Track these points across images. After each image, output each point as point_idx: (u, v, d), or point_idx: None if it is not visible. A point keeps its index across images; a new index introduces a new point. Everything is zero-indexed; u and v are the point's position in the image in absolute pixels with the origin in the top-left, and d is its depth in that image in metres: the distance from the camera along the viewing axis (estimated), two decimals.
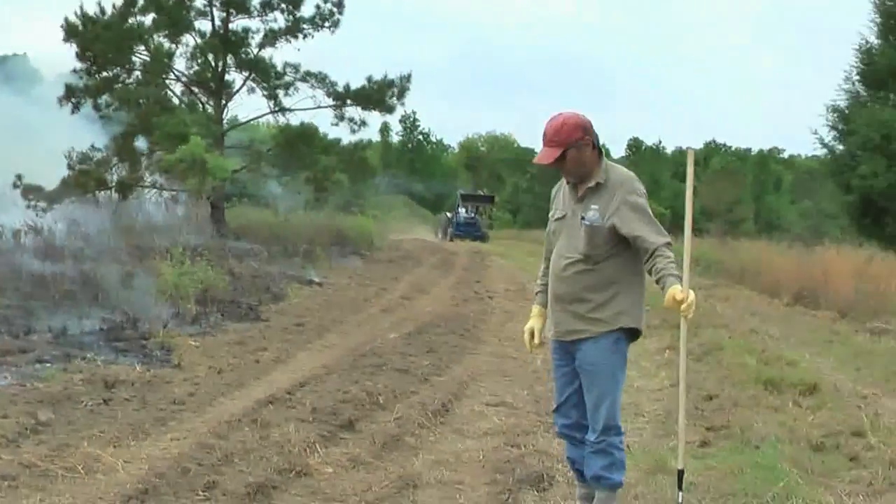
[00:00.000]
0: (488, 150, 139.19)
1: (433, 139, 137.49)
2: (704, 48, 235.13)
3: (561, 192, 6.60)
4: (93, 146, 32.72)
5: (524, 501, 7.16)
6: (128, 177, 33.20)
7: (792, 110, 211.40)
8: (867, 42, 31.49)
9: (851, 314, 20.24)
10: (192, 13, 33.84)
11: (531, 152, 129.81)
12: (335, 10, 34.76)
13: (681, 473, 6.39)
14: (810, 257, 27.24)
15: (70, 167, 31.99)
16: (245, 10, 34.23)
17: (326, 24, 34.77)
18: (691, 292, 5.94)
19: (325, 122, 50.93)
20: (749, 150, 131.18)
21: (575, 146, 6.19)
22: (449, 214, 69.27)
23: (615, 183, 6.28)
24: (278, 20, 34.70)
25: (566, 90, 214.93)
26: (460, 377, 12.28)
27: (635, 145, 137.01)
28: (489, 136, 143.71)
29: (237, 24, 34.86)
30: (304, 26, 34.57)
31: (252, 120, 37.65)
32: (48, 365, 11.77)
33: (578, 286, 6.31)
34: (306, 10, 34.75)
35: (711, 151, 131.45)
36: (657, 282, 6.10)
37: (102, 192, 32.38)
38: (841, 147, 31.43)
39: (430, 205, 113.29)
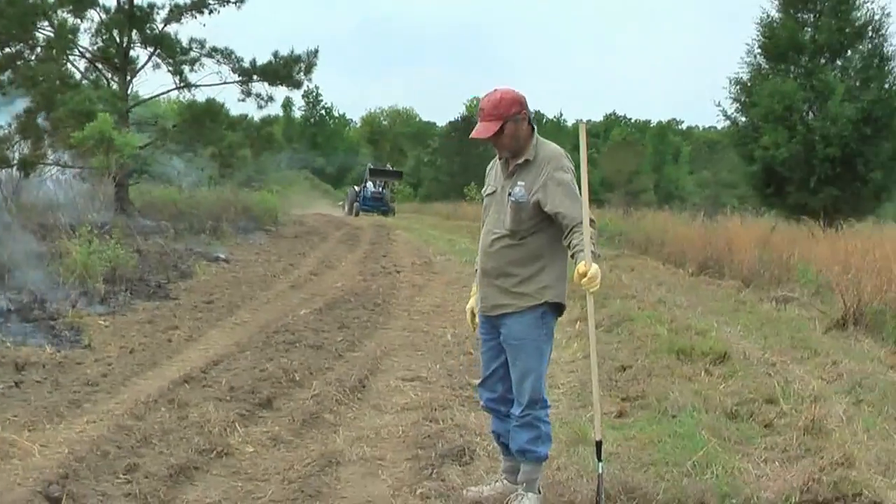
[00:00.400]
0: (390, 125, 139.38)
1: (336, 114, 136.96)
2: (604, 21, 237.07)
3: (494, 169, 6.70)
4: None
5: (448, 476, 7.14)
6: (30, 154, 32.55)
7: (690, 83, 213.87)
8: (768, 16, 31.98)
9: (755, 283, 20.57)
10: None
11: (433, 126, 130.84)
12: None
13: (599, 444, 6.41)
14: (714, 228, 27.54)
15: None
16: None
17: None
18: (594, 265, 6.00)
19: (233, 98, 50.48)
20: (648, 121, 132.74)
21: (512, 120, 6.29)
22: (357, 188, 68.44)
23: (543, 159, 6.36)
24: None
25: (468, 64, 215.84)
26: (373, 352, 12.29)
27: (536, 118, 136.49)
28: (391, 110, 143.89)
29: None
30: (210, 1, 34.09)
31: (157, 96, 37.24)
32: None
33: (504, 261, 6.39)
34: None
35: (612, 123, 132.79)
36: (572, 257, 6.19)
37: (4, 170, 31.75)
38: (744, 119, 31.88)
39: (331, 179, 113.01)
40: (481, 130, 6.29)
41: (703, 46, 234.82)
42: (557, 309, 6.52)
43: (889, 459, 7.90)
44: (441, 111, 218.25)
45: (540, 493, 6.59)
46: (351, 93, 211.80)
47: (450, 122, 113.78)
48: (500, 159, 6.55)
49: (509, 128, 6.28)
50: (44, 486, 6.43)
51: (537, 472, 6.56)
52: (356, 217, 58.77)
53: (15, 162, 31.98)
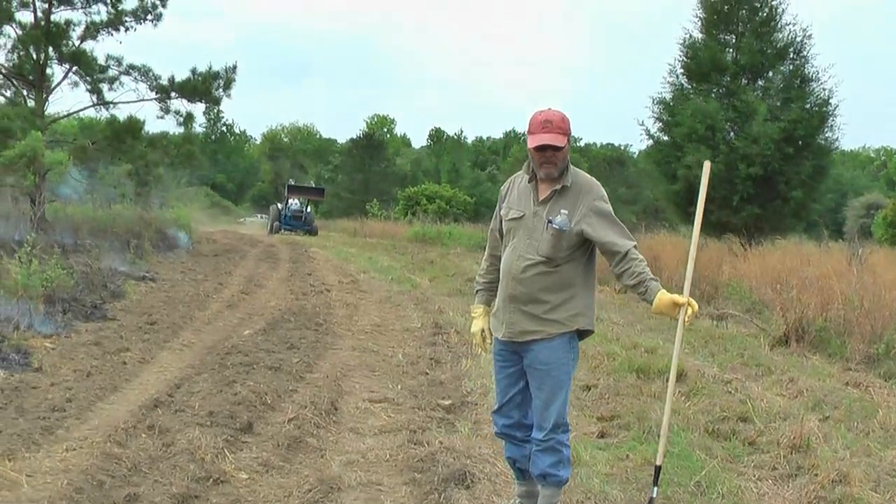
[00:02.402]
0: (291, 141, 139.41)
1: (237, 130, 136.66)
2: (500, 40, 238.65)
3: (514, 191, 6.63)
4: None
5: (456, 500, 7.06)
6: None
7: (587, 101, 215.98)
8: (691, 36, 32.21)
9: None
10: (14, 4, 32.36)
11: (333, 142, 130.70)
12: (158, 3, 33.90)
13: (658, 469, 6.45)
14: (640, 244, 27.65)
15: None
16: (68, 1, 32.87)
17: (149, 17, 33.90)
18: (691, 298, 6.20)
19: (152, 115, 49.89)
20: None
21: (569, 140, 6.32)
22: (279, 206, 65.69)
23: (580, 187, 6.39)
24: (101, 12, 33.71)
25: (367, 82, 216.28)
26: (332, 373, 12.15)
27: (437, 135, 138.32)
28: (292, 126, 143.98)
29: (59, 15, 33.49)
30: (127, 19, 33.62)
31: (74, 113, 36.57)
32: None
33: (536, 287, 6.36)
34: (129, 3, 33.92)
35: (511, 141, 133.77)
36: (634, 286, 6.30)
37: None
38: (666, 138, 32.09)
39: (231, 196, 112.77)
40: (552, 139, 6.21)
41: (602, 65, 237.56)
42: (582, 334, 6.56)
43: (877, 475, 8.07)
44: (341, 128, 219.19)
45: None
46: (251, 110, 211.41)
47: (351, 140, 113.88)
48: (531, 181, 6.48)
49: (567, 146, 6.29)
50: None
51: (557, 495, 6.56)
52: (271, 235, 57.66)
53: None
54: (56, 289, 16.58)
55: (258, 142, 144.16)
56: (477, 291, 7.02)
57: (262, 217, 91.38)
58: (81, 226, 32.16)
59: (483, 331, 6.87)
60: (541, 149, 6.24)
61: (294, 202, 65.04)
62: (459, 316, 17.74)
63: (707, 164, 6.58)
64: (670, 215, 36.84)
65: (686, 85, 32.48)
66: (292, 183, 71.90)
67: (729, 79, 31.22)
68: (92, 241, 28.52)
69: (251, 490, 7.45)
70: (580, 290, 6.46)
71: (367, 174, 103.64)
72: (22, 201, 30.19)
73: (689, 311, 6.20)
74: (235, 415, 9.39)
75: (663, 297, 6.18)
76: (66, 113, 36.38)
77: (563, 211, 6.30)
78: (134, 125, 33.08)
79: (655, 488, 6.46)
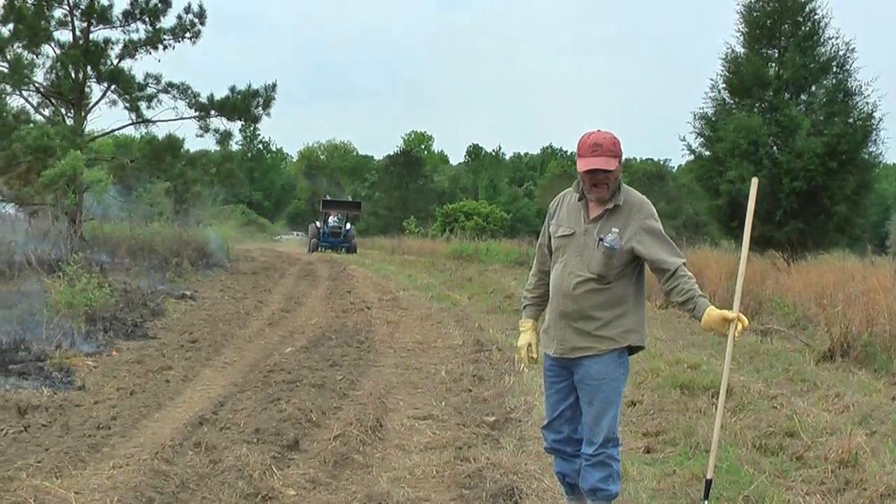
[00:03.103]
0: (328, 158, 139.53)
1: (273, 148, 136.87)
2: (538, 56, 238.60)
3: (564, 208, 6.63)
4: None
5: None
6: None
7: (628, 116, 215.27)
8: (733, 51, 32.12)
9: None
10: (53, 23, 32.66)
11: (370, 160, 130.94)
12: (196, 21, 34.08)
13: (709, 483, 6.45)
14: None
15: None
16: (106, 20, 33.16)
17: (187, 35, 34.01)
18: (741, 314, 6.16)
19: (191, 133, 50.06)
20: None
21: (621, 161, 6.32)
22: (318, 224, 63.74)
23: (631, 206, 6.41)
24: (139, 31, 33.86)
25: (404, 99, 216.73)
26: (375, 391, 12.10)
27: (475, 152, 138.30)
28: (329, 144, 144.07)
29: (98, 34, 33.74)
30: (165, 37, 33.78)
31: (113, 131, 36.63)
32: None
33: (587, 304, 6.39)
34: (168, 21, 34.01)
35: (548, 156, 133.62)
36: (683, 303, 6.33)
37: None
38: (708, 153, 31.90)
39: (268, 213, 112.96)
40: (604, 163, 6.23)
41: (637, 79, 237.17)
42: (632, 350, 6.60)
43: None
44: (378, 145, 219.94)
45: None
46: (288, 127, 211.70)
47: (388, 156, 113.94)
48: (581, 199, 6.48)
49: (618, 168, 6.30)
50: None
51: None
52: (312, 253, 56.77)
53: None
54: (98, 308, 16.61)
55: (295, 159, 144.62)
56: (525, 306, 7.03)
57: (297, 234, 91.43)
58: (119, 244, 32.27)
59: (529, 345, 6.92)
60: (591, 172, 6.26)
61: (333, 219, 63.68)
62: (500, 333, 17.68)
63: (755, 181, 6.53)
64: (713, 230, 36.68)
65: (728, 100, 32.28)
66: (328, 198, 71.36)
67: (772, 93, 30.94)
68: (130, 260, 28.63)
69: None
70: (632, 307, 6.51)
71: (404, 191, 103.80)
72: (61, 219, 30.21)
73: (740, 326, 6.08)
74: (281, 432, 9.38)
75: (712, 312, 6.15)
76: (104, 131, 36.57)
77: (613, 229, 6.33)
78: (174, 143, 33.14)
79: (706, 502, 6.49)
